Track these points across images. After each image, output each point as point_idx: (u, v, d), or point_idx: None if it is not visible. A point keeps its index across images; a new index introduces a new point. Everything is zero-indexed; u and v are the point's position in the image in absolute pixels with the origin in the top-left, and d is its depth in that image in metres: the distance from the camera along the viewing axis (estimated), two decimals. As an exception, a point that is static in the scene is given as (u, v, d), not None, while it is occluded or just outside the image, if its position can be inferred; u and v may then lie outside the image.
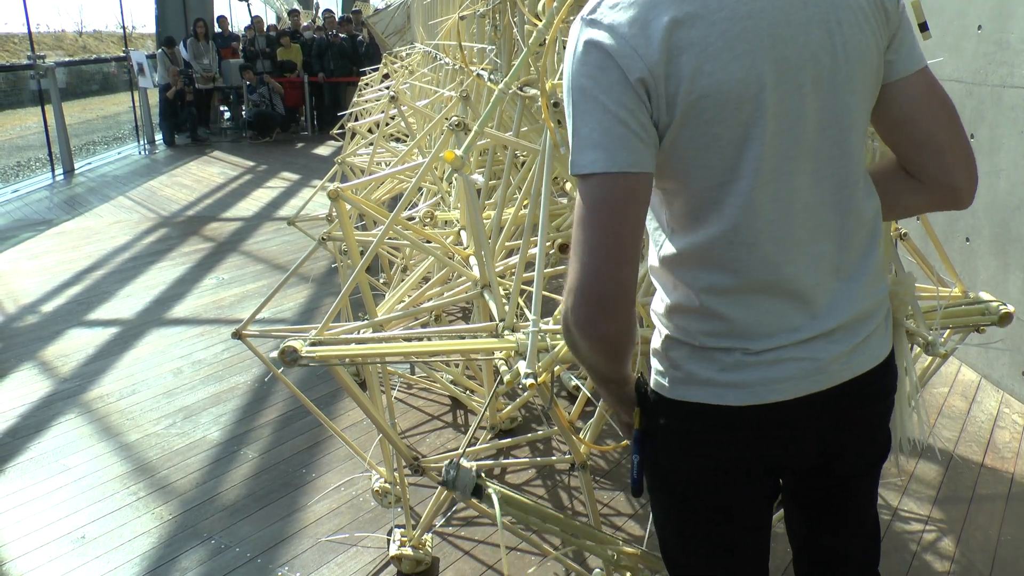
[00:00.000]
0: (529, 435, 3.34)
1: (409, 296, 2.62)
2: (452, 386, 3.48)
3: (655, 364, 1.27)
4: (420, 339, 2.23)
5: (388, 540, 2.69)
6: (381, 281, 4.39)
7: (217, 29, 13.14)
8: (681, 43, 1.06)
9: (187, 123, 12.21)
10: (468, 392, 3.47)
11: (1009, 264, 3.65)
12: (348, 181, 3.65)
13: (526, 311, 2.08)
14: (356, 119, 5.37)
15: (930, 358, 2.12)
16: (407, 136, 4.96)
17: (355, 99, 6.41)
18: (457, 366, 3.48)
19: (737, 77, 1.07)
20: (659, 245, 1.23)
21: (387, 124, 4.52)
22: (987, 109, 3.74)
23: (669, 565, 1.42)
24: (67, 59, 18.85)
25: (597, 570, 2.41)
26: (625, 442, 1.46)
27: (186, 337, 4.63)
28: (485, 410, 2.24)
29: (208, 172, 9.97)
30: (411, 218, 3.00)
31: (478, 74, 3.44)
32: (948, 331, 2.21)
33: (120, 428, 3.57)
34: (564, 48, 2.36)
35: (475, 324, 2.29)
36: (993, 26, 3.68)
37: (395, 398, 3.64)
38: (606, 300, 1.10)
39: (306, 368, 2.00)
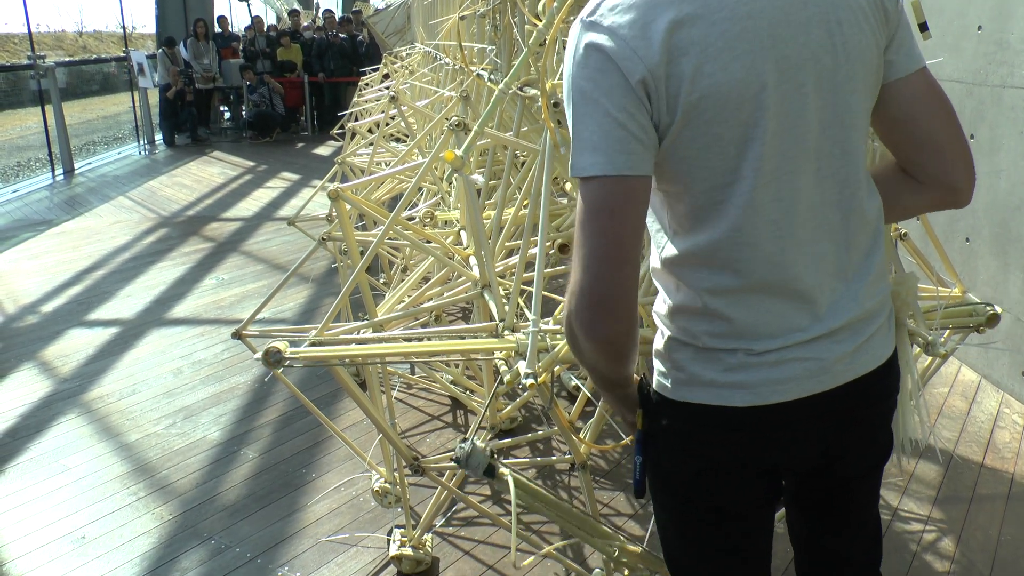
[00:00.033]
0: (529, 435, 3.34)
1: (409, 296, 2.62)
2: (452, 386, 3.48)
3: (657, 365, 1.27)
4: (420, 339, 2.22)
5: (388, 540, 2.69)
6: (381, 281, 4.39)
7: (217, 29, 13.14)
8: (681, 44, 1.06)
9: (187, 123, 12.21)
10: (468, 392, 3.47)
11: (1009, 264, 3.65)
12: (348, 181, 3.64)
13: (526, 311, 2.08)
14: (356, 119, 5.37)
15: (930, 358, 2.12)
16: (407, 136, 4.96)
17: (355, 99, 6.41)
18: (457, 366, 3.48)
19: (737, 77, 1.07)
20: (661, 247, 1.23)
21: (387, 124, 4.52)
22: (987, 109, 3.74)
23: (671, 566, 1.42)
24: (67, 59, 18.85)
25: (597, 570, 2.41)
26: (625, 441, 1.46)
27: (186, 337, 4.63)
28: (486, 410, 2.23)
29: (208, 172, 9.98)
30: (411, 218, 3.00)
31: (478, 74, 3.44)
32: (948, 331, 2.21)
33: (120, 428, 3.57)
34: (564, 48, 2.36)
35: (475, 324, 2.28)
36: (993, 26, 3.68)
37: (395, 398, 3.64)
38: (607, 301, 1.11)
39: (306, 368, 2.00)
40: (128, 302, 5.25)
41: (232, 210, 7.99)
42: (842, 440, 1.27)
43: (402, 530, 2.62)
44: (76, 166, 10.39)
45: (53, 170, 10.10)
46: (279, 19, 18.56)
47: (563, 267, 2.90)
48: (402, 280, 3.45)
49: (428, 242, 2.78)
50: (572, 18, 2.42)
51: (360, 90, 6.90)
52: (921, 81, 1.22)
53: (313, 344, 1.98)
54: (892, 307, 1.31)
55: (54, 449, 3.39)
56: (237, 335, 2.26)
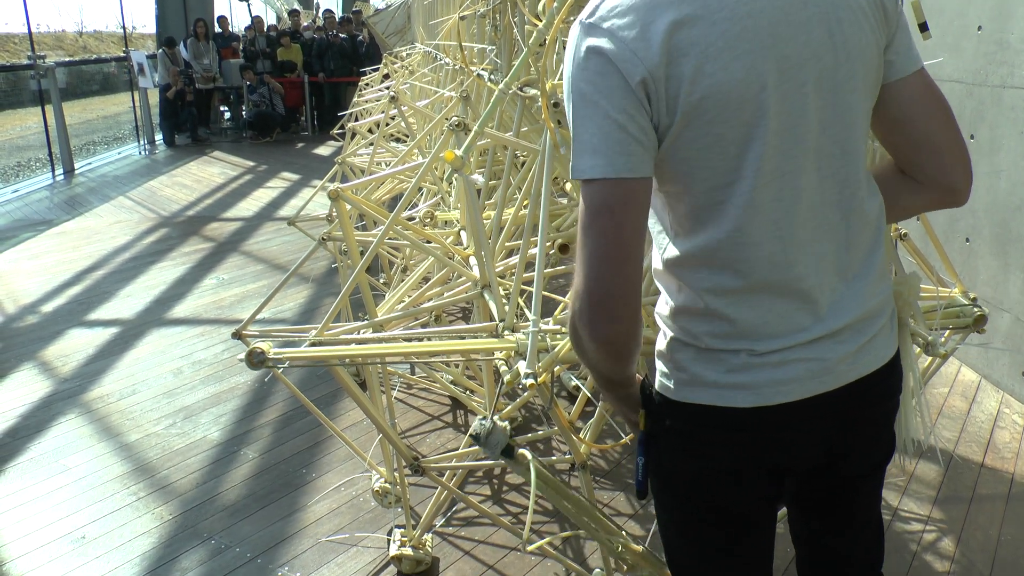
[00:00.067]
0: (529, 435, 3.34)
1: (409, 296, 2.62)
2: (452, 386, 3.48)
3: (660, 366, 1.27)
4: (420, 339, 2.22)
5: (388, 540, 2.69)
6: (381, 281, 4.39)
7: (217, 29, 13.14)
8: (681, 44, 1.06)
9: (187, 123, 12.21)
10: (468, 392, 3.47)
11: (1009, 264, 3.65)
12: (348, 181, 3.65)
13: (526, 311, 2.08)
14: (356, 119, 5.37)
15: (930, 358, 2.12)
16: (407, 136, 4.96)
17: (355, 99, 6.40)
18: (457, 366, 3.48)
19: (738, 77, 1.07)
20: (662, 248, 1.23)
21: (387, 124, 4.52)
22: (987, 109, 3.74)
23: (672, 567, 1.42)
24: (67, 59, 18.84)
25: (597, 570, 2.41)
26: (624, 440, 1.46)
27: (186, 337, 4.63)
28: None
29: (208, 172, 9.98)
30: (411, 218, 3.00)
31: (478, 74, 3.44)
32: (948, 331, 2.21)
33: (120, 428, 3.57)
34: (564, 48, 2.35)
35: (475, 324, 2.28)
36: (993, 26, 3.68)
37: (395, 398, 3.65)
38: (609, 302, 1.11)
39: (306, 368, 2.00)
40: (128, 302, 5.25)
41: (232, 210, 7.99)
42: (845, 440, 1.27)
43: (402, 530, 2.62)
44: (76, 166, 10.39)
45: (53, 170, 10.10)
46: (279, 19, 18.56)
47: (563, 267, 2.90)
48: (402, 280, 3.45)
49: (428, 242, 2.78)
50: (572, 18, 2.42)
51: (360, 90, 6.90)
52: (920, 82, 1.22)
53: (313, 344, 1.98)
54: (894, 307, 1.31)
55: (54, 449, 3.39)
56: (237, 335, 2.25)
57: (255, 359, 1.88)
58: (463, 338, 2.13)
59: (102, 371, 4.16)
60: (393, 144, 5.02)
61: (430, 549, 2.64)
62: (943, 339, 2.14)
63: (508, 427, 1.63)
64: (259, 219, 7.57)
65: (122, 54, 13.70)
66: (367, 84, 7.14)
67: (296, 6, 19.55)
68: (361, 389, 2.87)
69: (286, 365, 1.91)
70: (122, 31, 16.44)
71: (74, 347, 4.49)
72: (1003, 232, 3.67)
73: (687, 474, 1.28)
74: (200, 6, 14.27)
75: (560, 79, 2.44)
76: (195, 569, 2.63)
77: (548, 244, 2.44)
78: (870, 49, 1.15)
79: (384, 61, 7.51)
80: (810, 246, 1.17)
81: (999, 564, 2.60)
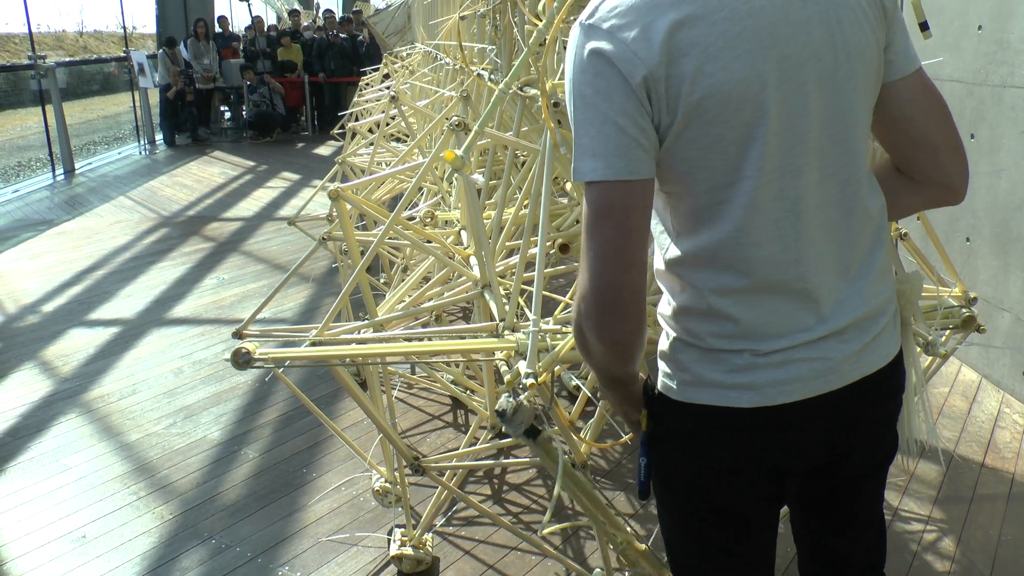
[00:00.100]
0: (529, 435, 3.33)
1: (409, 296, 2.62)
2: (453, 386, 3.48)
3: (662, 367, 1.27)
4: (420, 339, 2.22)
5: (389, 540, 2.69)
6: (382, 281, 4.39)
7: (218, 29, 13.14)
8: (682, 44, 1.06)
9: (187, 123, 12.21)
10: (468, 392, 3.47)
11: (1010, 264, 3.64)
12: (348, 181, 3.65)
13: (526, 311, 2.08)
14: (356, 119, 5.37)
15: (930, 358, 2.12)
16: (407, 136, 4.96)
17: (355, 99, 6.41)
18: (458, 366, 3.48)
19: (738, 77, 1.07)
20: (664, 248, 1.23)
21: (387, 124, 4.52)
22: (987, 109, 3.74)
23: (674, 567, 1.41)
24: (68, 59, 18.84)
25: (597, 570, 2.41)
26: (624, 439, 1.46)
27: (187, 337, 4.63)
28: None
29: (208, 172, 9.98)
30: (411, 218, 3.00)
31: (478, 74, 3.44)
32: (948, 331, 2.21)
33: (121, 428, 3.57)
34: (564, 48, 2.35)
35: (475, 324, 2.28)
36: (993, 26, 3.68)
37: (395, 398, 3.65)
38: (616, 303, 1.12)
39: (306, 368, 2.00)
40: (128, 302, 5.26)
41: (232, 210, 7.99)
42: (848, 439, 1.27)
43: (402, 530, 2.62)
44: (76, 166, 10.40)
45: (54, 170, 10.11)
46: (279, 19, 18.57)
47: (563, 267, 2.90)
48: (402, 280, 3.45)
49: (428, 242, 2.78)
50: (572, 18, 2.42)
51: (360, 90, 6.91)
52: (918, 82, 1.22)
53: (313, 344, 1.98)
54: (897, 306, 1.31)
55: (55, 449, 3.39)
56: (238, 335, 2.26)
57: (241, 359, 1.87)
58: (463, 338, 2.13)
59: (102, 371, 4.16)
60: (393, 144, 5.03)
61: (430, 549, 2.64)
62: (943, 339, 2.14)
63: (535, 406, 1.62)
64: (259, 219, 7.57)
65: (122, 54, 13.71)
66: (367, 84, 7.15)
67: (296, 6, 19.56)
68: (361, 389, 2.87)
69: (271, 366, 1.91)
70: (122, 31, 16.46)
71: (74, 347, 4.49)
72: (1003, 232, 3.67)
73: (689, 474, 1.28)
74: (200, 6, 14.27)
75: (560, 79, 2.44)
76: (195, 569, 2.63)
77: (548, 244, 2.44)
78: (870, 48, 1.15)
79: (384, 61, 7.51)
80: (812, 245, 1.17)
81: (999, 564, 2.60)
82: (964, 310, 2.13)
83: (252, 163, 10.48)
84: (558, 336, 1.84)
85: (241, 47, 13.02)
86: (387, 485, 2.85)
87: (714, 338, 1.19)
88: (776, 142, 1.11)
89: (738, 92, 1.08)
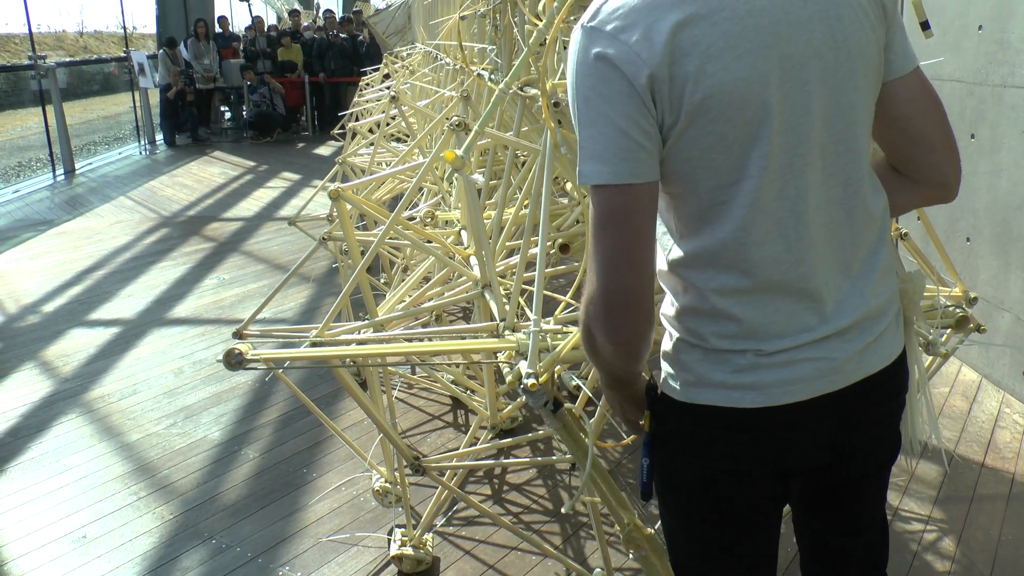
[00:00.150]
0: (529, 435, 3.34)
1: (410, 296, 2.62)
2: (453, 386, 3.48)
3: (666, 367, 1.27)
4: (421, 339, 2.22)
5: (389, 540, 2.69)
6: (382, 281, 4.39)
7: (218, 29, 13.14)
8: (684, 45, 1.07)
9: (188, 123, 12.21)
10: (469, 392, 3.47)
11: (1010, 264, 3.64)
12: (349, 181, 3.65)
13: (527, 311, 2.08)
14: (357, 119, 5.37)
15: (931, 357, 2.12)
16: (408, 136, 4.96)
17: (356, 99, 6.41)
18: (458, 366, 3.48)
19: (741, 76, 1.08)
20: (667, 250, 1.24)
21: (388, 124, 4.52)
22: (988, 109, 3.74)
23: (676, 568, 1.41)
24: (68, 59, 18.85)
25: (598, 570, 2.41)
26: (626, 441, 1.46)
27: (187, 337, 4.63)
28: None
29: (209, 172, 9.98)
30: (412, 218, 3.00)
31: (479, 74, 3.44)
32: (948, 331, 2.21)
33: (121, 428, 3.57)
34: (564, 48, 2.36)
35: (476, 324, 2.28)
36: (994, 26, 3.68)
37: (396, 398, 3.65)
38: (627, 305, 1.13)
39: (307, 368, 2.00)
40: (129, 302, 5.26)
41: (233, 210, 7.99)
42: (851, 439, 1.27)
43: (403, 530, 2.62)
44: (77, 166, 10.40)
45: (54, 170, 10.11)
46: (279, 19, 18.56)
47: (564, 267, 2.90)
48: (403, 280, 3.45)
49: (429, 242, 2.78)
50: (573, 18, 2.42)
51: (360, 90, 6.90)
52: (916, 81, 1.23)
53: (313, 344, 1.98)
54: (900, 305, 1.31)
55: (55, 449, 3.39)
56: (238, 335, 2.26)
57: (232, 359, 1.87)
58: (464, 338, 2.13)
59: (103, 371, 4.16)
60: (394, 144, 5.02)
61: (431, 549, 2.64)
62: (943, 338, 2.14)
63: (559, 381, 1.61)
64: (260, 219, 7.57)
65: (123, 54, 13.71)
66: (367, 84, 7.15)
67: (296, 6, 19.56)
68: (362, 389, 2.87)
69: (264, 367, 1.91)
70: (123, 31, 16.46)
71: (75, 347, 4.49)
72: (1004, 232, 3.67)
73: (692, 475, 1.28)
74: (201, 6, 14.28)
75: (561, 78, 2.44)
76: (196, 569, 2.63)
77: (549, 244, 2.44)
78: (871, 47, 1.16)
79: (384, 61, 7.51)
80: (814, 245, 1.17)
81: (1000, 564, 2.60)
82: (958, 310, 2.12)
83: (252, 163, 10.48)
84: (559, 336, 1.84)
85: (241, 47, 13.02)
86: (387, 485, 2.85)
87: (717, 338, 1.19)
88: (780, 141, 1.11)
89: (740, 92, 1.08)
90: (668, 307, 1.26)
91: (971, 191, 3.81)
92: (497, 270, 2.48)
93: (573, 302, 2.26)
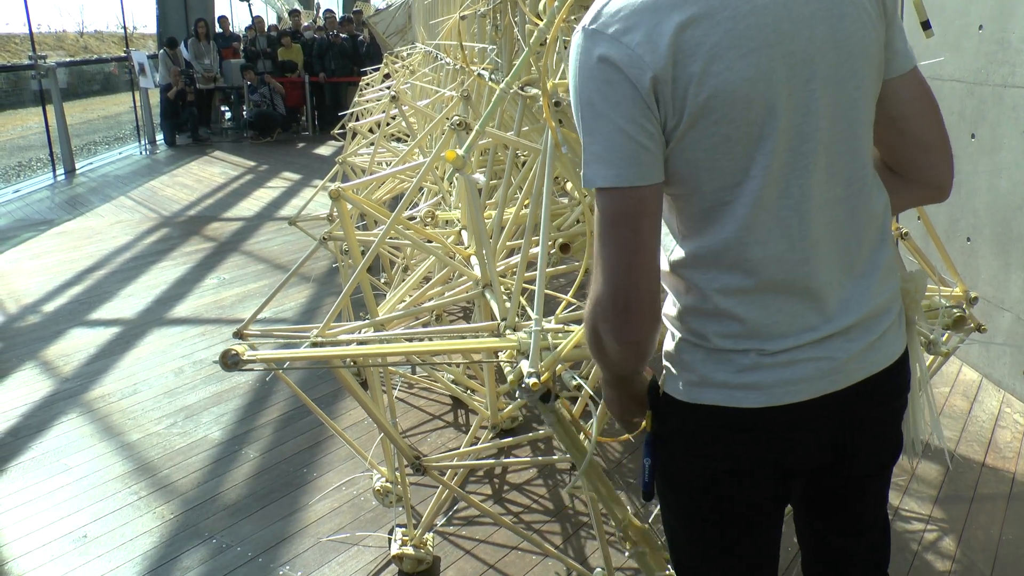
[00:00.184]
0: (530, 435, 3.34)
1: (410, 296, 2.62)
2: (453, 385, 3.48)
3: (668, 367, 1.27)
4: (421, 339, 2.22)
5: (389, 539, 2.69)
6: (382, 281, 4.39)
7: (218, 29, 13.15)
8: (687, 45, 1.06)
9: (188, 123, 12.22)
10: (469, 392, 3.47)
11: (1010, 264, 3.64)
12: (349, 181, 3.65)
13: (528, 310, 2.08)
14: (357, 119, 5.37)
15: (931, 357, 2.12)
16: (408, 136, 4.96)
17: (356, 99, 6.41)
18: (459, 366, 3.48)
19: (744, 76, 1.07)
20: (669, 250, 1.23)
21: (388, 124, 4.52)
22: (988, 109, 3.73)
23: (677, 568, 1.41)
24: (68, 59, 18.85)
25: (598, 569, 2.41)
26: (625, 436, 1.46)
27: (187, 337, 4.63)
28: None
29: (209, 172, 9.98)
30: (412, 218, 3.00)
31: (479, 74, 3.44)
32: (949, 330, 2.21)
33: (121, 428, 3.57)
34: (565, 48, 2.36)
35: (476, 323, 2.28)
36: (994, 26, 3.68)
37: (396, 398, 3.65)
38: (634, 307, 1.13)
39: (307, 368, 1.99)
40: (129, 302, 5.26)
41: (233, 210, 7.99)
42: (854, 439, 1.27)
43: (403, 529, 2.62)
44: (77, 166, 10.40)
45: (54, 170, 10.11)
46: (280, 19, 18.58)
47: (564, 266, 2.90)
48: (403, 280, 3.45)
49: (429, 242, 2.78)
50: (573, 18, 2.42)
51: (361, 90, 6.91)
52: (915, 80, 1.23)
53: (314, 344, 1.98)
54: (902, 304, 1.31)
55: (55, 448, 3.39)
56: (238, 335, 2.26)
57: (229, 360, 1.87)
58: (464, 337, 2.13)
59: (103, 370, 4.16)
60: (394, 144, 5.03)
61: (431, 548, 2.64)
62: (944, 338, 2.14)
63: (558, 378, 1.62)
64: (260, 219, 7.57)
65: (123, 54, 13.72)
66: (368, 84, 7.15)
67: (297, 6, 19.57)
68: (362, 388, 2.87)
69: (259, 368, 1.90)
70: (123, 31, 16.46)
71: (75, 347, 4.49)
72: (1004, 231, 3.67)
73: (694, 474, 1.28)
74: (201, 6, 14.28)
75: (561, 78, 2.44)
76: (196, 568, 2.63)
77: (549, 243, 2.44)
78: (872, 45, 1.15)
79: (385, 61, 7.51)
80: (818, 244, 1.17)
81: (1000, 564, 2.60)
82: (955, 310, 2.12)
83: (253, 163, 10.48)
84: (559, 335, 1.83)
85: (242, 47, 13.03)
86: (388, 485, 2.85)
87: (720, 338, 1.19)
88: (784, 140, 1.11)
89: (744, 91, 1.08)
90: (670, 307, 1.26)
91: (971, 191, 3.81)
92: (498, 270, 2.48)
93: (574, 301, 2.26)
